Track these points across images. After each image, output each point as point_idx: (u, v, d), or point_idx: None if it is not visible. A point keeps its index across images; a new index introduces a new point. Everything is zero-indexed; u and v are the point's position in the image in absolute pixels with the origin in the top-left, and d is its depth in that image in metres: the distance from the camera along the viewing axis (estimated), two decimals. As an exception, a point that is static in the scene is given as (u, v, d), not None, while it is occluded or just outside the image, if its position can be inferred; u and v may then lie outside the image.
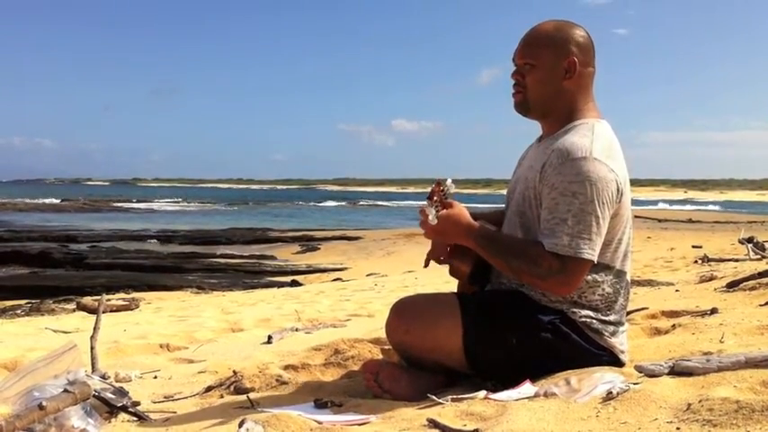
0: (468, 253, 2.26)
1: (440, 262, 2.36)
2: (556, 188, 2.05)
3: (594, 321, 2.15)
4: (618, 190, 2.07)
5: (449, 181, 2.16)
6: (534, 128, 2.35)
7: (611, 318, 2.18)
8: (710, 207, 50.89)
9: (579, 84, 2.21)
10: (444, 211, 2.14)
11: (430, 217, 2.13)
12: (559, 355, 2.12)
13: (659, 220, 23.19)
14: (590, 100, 2.24)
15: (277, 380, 2.54)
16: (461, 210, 2.17)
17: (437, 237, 2.24)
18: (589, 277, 2.11)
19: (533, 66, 2.21)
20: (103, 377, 2.59)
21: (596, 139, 2.09)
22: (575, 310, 2.13)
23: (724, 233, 15.72)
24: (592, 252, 2.03)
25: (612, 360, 2.17)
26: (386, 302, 5.86)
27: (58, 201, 50.84)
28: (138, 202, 58.32)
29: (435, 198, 2.15)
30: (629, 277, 2.24)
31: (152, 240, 22.91)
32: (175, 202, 61.00)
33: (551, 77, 2.20)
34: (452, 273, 2.36)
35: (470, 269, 2.29)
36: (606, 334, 2.16)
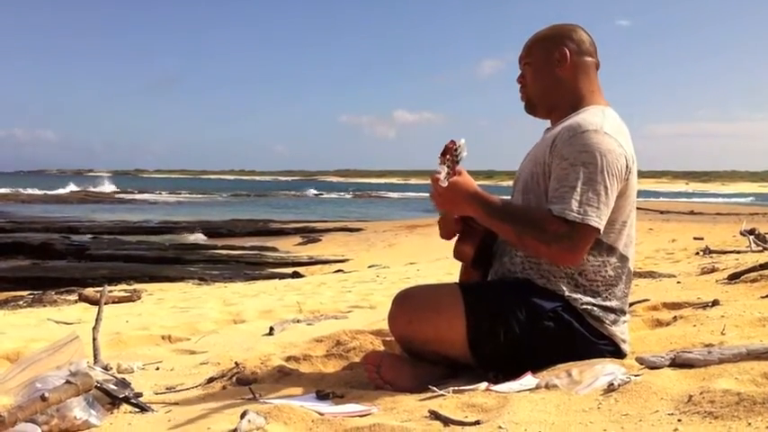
0: (472, 235, 2.28)
1: (448, 237, 2.39)
2: (566, 159, 2.08)
3: (595, 308, 2.16)
4: (627, 166, 2.11)
5: (462, 141, 2.13)
6: (538, 122, 2.37)
7: (612, 304, 2.19)
8: (741, 200, 49.88)
9: (576, 73, 2.26)
10: (453, 177, 2.14)
11: (441, 176, 2.10)
12: (561, 344, 2.13)
13: (661, 212, 23.18)
14: (596, 90, 2.28)
15: (279, 371, 2.55)
16: (469, 178, 2.17)
17: (445, 206, 2.23)
18: (590, 256, 2.13)
19: (530, 64, 2.32)
20: (105, 368, 2.60)
21: (606, 119, 2.14)
22: (576, 296, 2.14)
23: (726, 225, 15.70)
24: (599, 220, 2.05)
25: (614, 349, 2.18)
26: (387, 294, 5.86)
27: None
28: (140, 193, 58.22)
29: (448, 156, 2.12)
30: (631, 265, 2.25)
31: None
32: (177, 193, 60.91)
33: (545, 70, 2.28)
34: (456, 255, 2.38)
35: (474, 252, 2.31)
36: (607, 322, 2.17)
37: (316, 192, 65.72)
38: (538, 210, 2.14)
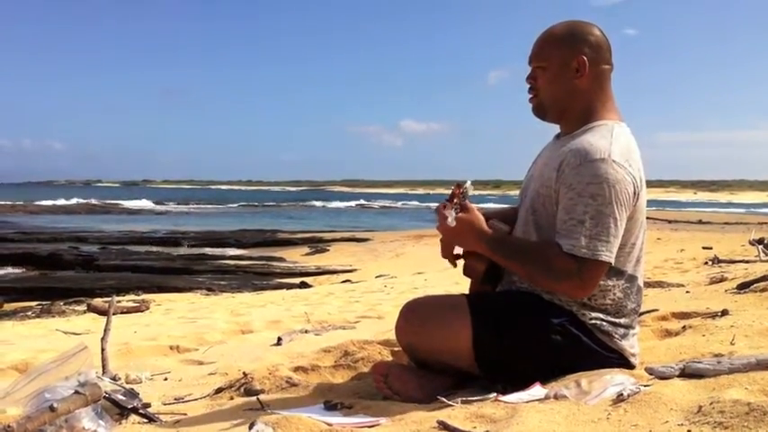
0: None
1: (452, 262, 2.37)
2: (573, 189, 2.04)
3: (605, 323, 2.14)
4: (635, 193, 2.07)
5: (468, 183, 2.17)
6: (547, 129, 2.35)
7: (621, 321, 2.17)
8: (763, 210, 48.84)
9: (593, 82, 2.19)
10: (460, 214, 2.15)
11: (449, 219, 2.14)
12: (569, 357, 2.12)
13: (669, 221, 23.12)
14: (608, 99, 2.22)
15: (287, 381, 2.54)
16: (475, 214, 2.17)
17: (452, 239, 2.24)
18: (600, 282, 2.10)
19: (544, 68, 2.21)
20: (114, 379, 2.61)
21: (615, 141, 2.08)
22: (584, 311, 2.13)
23: (734, 234, 15.64)
24: (609, 254, 2.03)
25: (623, 363, 2.16)
26: (395, 304, 5.86)
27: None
28: (156, 204, 57.89)
29: (456, 200, 2.16)
30: (641, 282, 2.22)
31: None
32: (185, 203, 60.88)
33: (562, 77, 2.19)
34: (467, 272, 2.36)
35: (485, 268, 2.30)
36: (616, 336, 2.15)
37: (340, 202, 65.39)
38: (545, 245, 2.10)
